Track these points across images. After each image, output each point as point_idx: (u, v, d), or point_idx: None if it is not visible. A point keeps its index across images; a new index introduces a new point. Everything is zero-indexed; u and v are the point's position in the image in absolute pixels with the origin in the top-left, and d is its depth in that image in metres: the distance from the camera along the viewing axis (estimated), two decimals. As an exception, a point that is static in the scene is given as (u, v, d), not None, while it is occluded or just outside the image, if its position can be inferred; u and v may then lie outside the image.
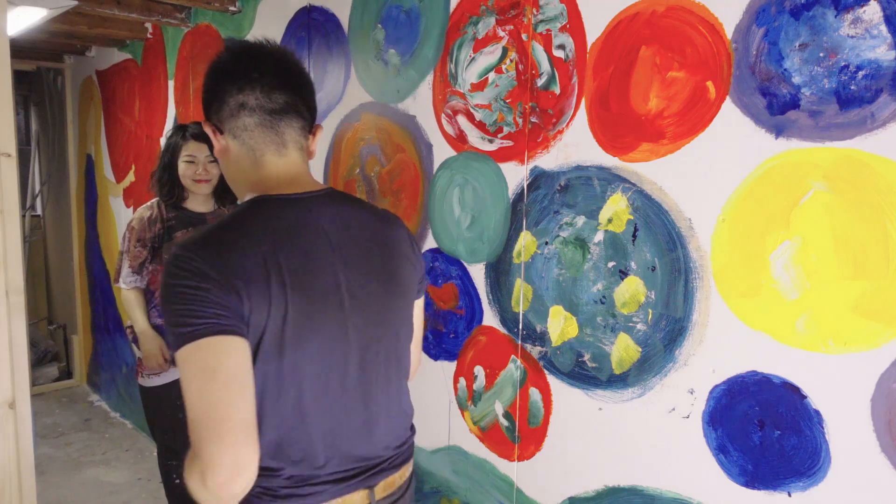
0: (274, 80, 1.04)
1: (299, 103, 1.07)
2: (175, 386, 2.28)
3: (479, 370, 1.78)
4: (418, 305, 1.21)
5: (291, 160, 1.07)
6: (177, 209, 2.26)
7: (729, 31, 1.23)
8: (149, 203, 2.30)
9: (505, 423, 1.72)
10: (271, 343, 0.94)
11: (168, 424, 2.30)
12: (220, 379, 0.87)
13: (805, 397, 1.17)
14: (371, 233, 1.09)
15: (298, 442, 0.99)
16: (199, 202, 2.29)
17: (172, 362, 2.26)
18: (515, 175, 1.63)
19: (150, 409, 2.31)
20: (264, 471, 0.98)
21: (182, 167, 2.22)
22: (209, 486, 0.86)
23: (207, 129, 1.11)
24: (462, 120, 1.75)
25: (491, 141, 1.68)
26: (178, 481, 2.33)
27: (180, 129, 2.27)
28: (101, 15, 2.81)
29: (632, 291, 1.41)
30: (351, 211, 1.09)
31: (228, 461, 0.86)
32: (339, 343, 1.02)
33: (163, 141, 2.38)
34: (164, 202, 2.26)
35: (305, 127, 1.09)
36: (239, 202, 1.09)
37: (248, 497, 0.98)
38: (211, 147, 2.15)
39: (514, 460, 1.71)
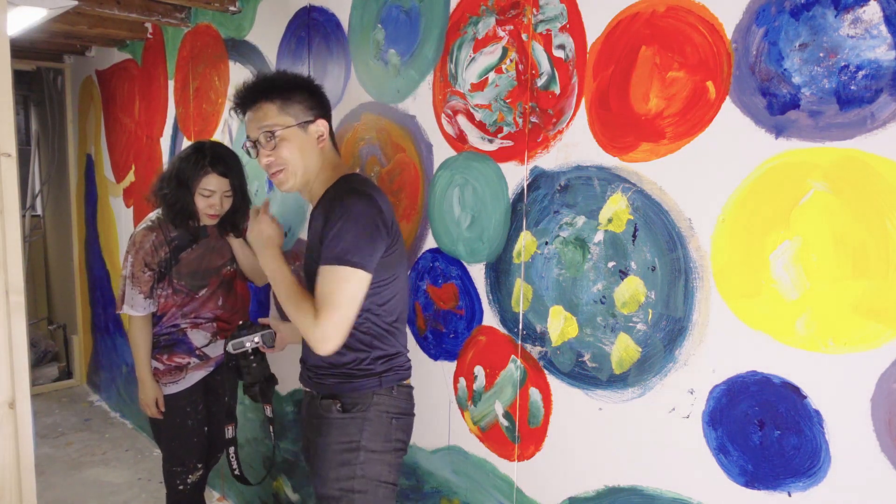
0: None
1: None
2: (185, 394, 2.26)
3: (479, 370, 1.78)
4: None
5: None
6: (188, 229, 2.18)
7: (729, 31, 1.23)
8: (149, 223, 2.19)
9: (505, 423, 1.72)
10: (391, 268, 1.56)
11: (176, 431, 2.28)
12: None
13: (805, 397, 1.17)
14: None
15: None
16: (205, 220, 2.21)
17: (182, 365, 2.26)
18: (515, 175, 1.63)
19: (159, 417, 2.29)
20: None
21: (196, 197, 2.11)
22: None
23: (324, 126, 1.58)
24: (462, 120, 1.75)
25: (491, 141, 1.68)
26: (180, 487, 2.32)
27: (201, 156, 2.10)
28: (101, 15, 2.81)
29: (632, 291, 1.41)
30: None
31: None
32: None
33: (171, 159, 2.25)
34: (172, 225, 2.16)
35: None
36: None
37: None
38: (232, 181, 2.18)
39: (514, 460, 1.71)
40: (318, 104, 1.59)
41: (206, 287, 2.27)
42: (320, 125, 1.56)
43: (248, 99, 1.57)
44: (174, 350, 2.25)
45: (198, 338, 2.28)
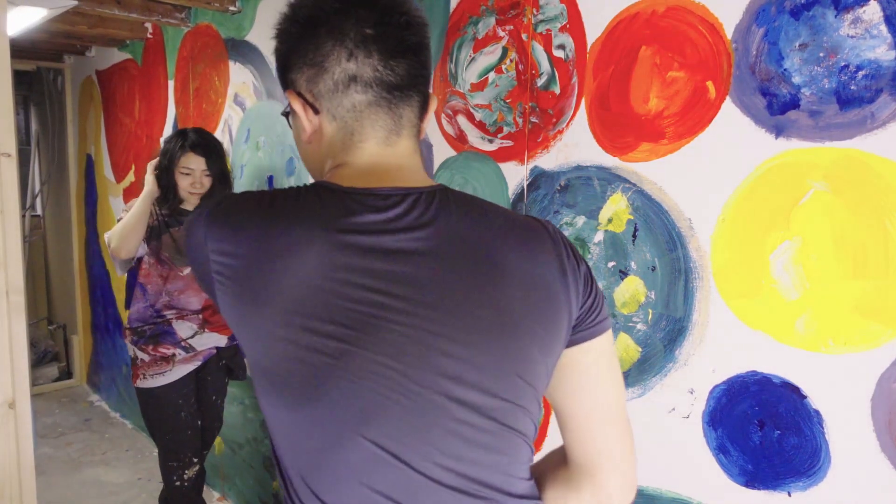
0: (396, 38, 0.75)
1: (423, 71, 0.78)
2: (175, 386, 2.28)
3: (479, 370, 1.78)
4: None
5: (401, 149, 0.78)
6: (170, 208, 2.30)
7: (729, 31, 1.23)
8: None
9: (505, 423, 1.72)
10: None
11: (170, 425, 2.29)
12: None
13: (805, 397, 1.17)
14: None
15: None
16: (191, 202, 2.34)
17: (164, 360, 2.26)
18: (515, 175, 1.63)
19: (151, 411, 2.30)
20: None
21: (178, 176, 2.26)
22: None
23: (296, 104, 0.77)
24: (462, 120, 1.75)
25: (491, 141, 1.68)
26: (177, 483, 2.33)
27: (180, 137, 2.28)
28: (101, 15, 2.81)
29: (632, 291, 1.41)
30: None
31: None
32: None
33: (162, 142, 2.38)
34: (159, 204, 2.29)
35: (423, 103, 0.80)
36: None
37: None
38: (210, 161, 2.24)
39: (514, 460, 1.71)
40: None
41: None
42: None
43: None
44: (159, 340, 2.29)
45: (183, 329, 2.32)
